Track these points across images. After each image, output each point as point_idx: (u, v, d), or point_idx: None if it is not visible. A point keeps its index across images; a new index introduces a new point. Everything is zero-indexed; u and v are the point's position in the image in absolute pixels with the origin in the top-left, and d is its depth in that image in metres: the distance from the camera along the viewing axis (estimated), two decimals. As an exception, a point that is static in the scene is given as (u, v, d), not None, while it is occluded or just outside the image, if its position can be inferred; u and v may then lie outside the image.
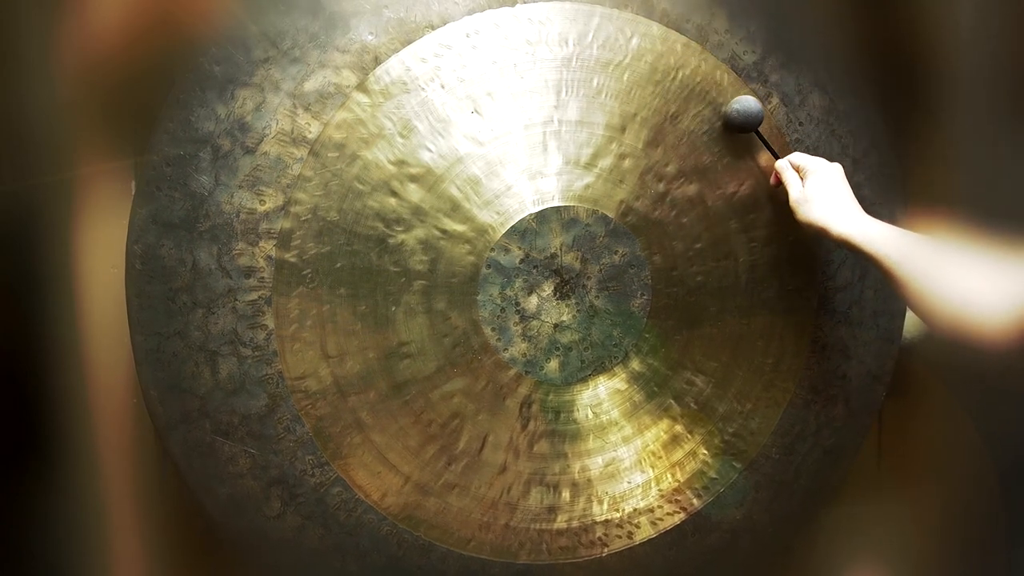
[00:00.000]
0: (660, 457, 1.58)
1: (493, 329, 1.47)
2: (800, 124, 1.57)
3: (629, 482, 1.57)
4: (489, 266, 1.45)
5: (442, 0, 1.43)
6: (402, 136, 1.43)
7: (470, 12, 1.44)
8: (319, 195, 1.42)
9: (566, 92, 1.47)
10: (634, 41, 1.49)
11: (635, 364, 1.53)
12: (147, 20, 1.41)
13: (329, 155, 1.41)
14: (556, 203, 1.46)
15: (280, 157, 1.40)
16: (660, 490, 1.59)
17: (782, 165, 1.49)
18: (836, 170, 1.45)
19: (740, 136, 1.51)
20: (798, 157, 1.48)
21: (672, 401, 1.57)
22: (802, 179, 1.46)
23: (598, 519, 1.57)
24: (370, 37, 1.42)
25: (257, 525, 1.49)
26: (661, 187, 1.50)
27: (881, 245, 1.32)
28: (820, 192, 1.43)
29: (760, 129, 1.50)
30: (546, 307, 1.49)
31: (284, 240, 1.41)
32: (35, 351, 1.36)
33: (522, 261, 1.47)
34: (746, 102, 1.49)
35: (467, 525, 1.54)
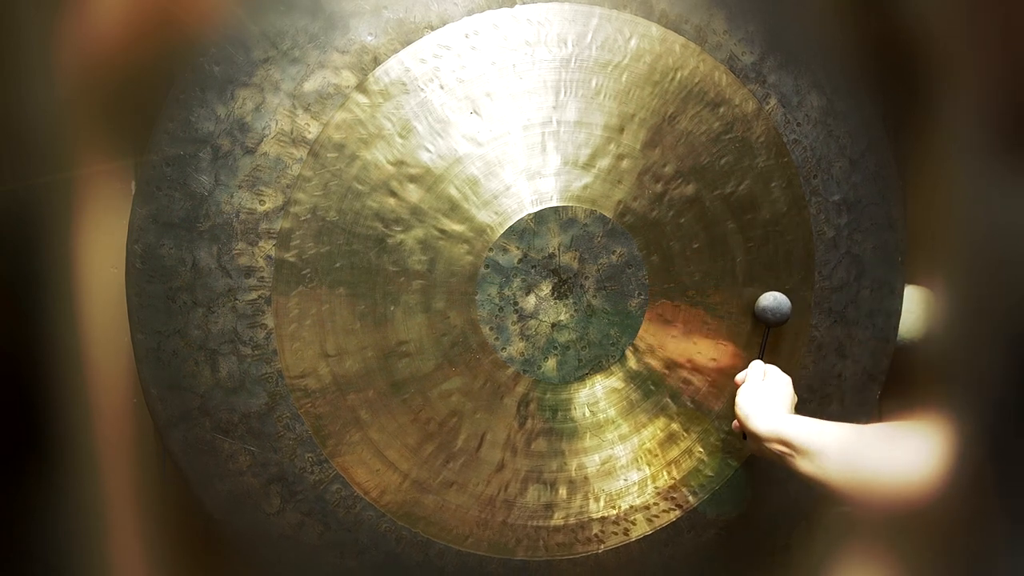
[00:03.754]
0: (656, 455, 1.59)
1: (491, 328, 1.47)
2: (798, 125, 1.57)
3: (625, 480, 1.58)
4: (487, 266, 1.46)
5: (441, 1, 1.44)
6: (401, 136, 1.43)
7: (469, 13, 1.44)
8: (318, 195, 1.42)
9: (565, 93, 1.47)
10: (633, 42, 1.49)
11: (632, 363, 1.54)
12: (147, 20, 1.41)
13: (328, 155, 1.42)
14: (554, 203, 1.47)
15: (280, 157, 1.41)
16: (656, 487, 1.60)
17: (757, 364, 1.55)
18: (787, 381, 1.52)
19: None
20: (764, 365, 1.56)
21: (668, 400, 1.57)
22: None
23: (595, 516, 1.58)
24: (369, 38, 1.42)
25: (257, 522, 1.50)
26: (659, 187, 1.51)
27: (807, 436, 1.38)
28: (768, 390, 1.50)
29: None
30: (544, 306, 1.49)
31: (284, 240, 1.42)
32: (35, 351, 1.36)
33: (520, 261, 1.47)
34: (783, 305, 1.56)
35: (465, 522, 1.55)
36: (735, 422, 1.53)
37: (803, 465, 1.35)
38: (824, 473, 1.32)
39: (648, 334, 1.54)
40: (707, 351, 1.57)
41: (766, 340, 1.57)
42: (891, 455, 1.24)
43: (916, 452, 1.19)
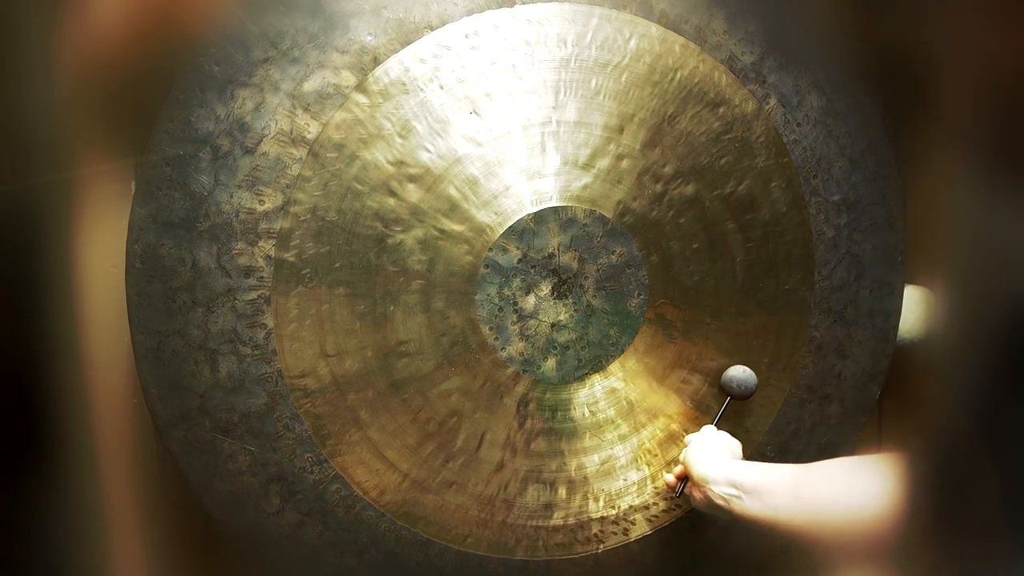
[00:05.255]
0: (656, 455, 1.59)
1: (491, 328, 1.47)
2: (798, 125, 1.57)
3: (625, 479, 1.58)
4: (487, 266, 1.46)
5: (441, 1, 1.44)
6: (401, 137, 1.43)
7: (469, 13, 1.44)
8: (318, 195, 1.42)
9: (564, 93, 1.47)
10: (632, 42, 1.49)
11: (632, 363, 1.54)
12: (147, 20, 1.41)
13: (328, 155, 1.42)
14: (554, 203, 1.47)
15: (279, 157, 1.41)
16: (656, 487, 1.60)
17: (709, 428, 1.54)
18: (737, 444, 1.51)
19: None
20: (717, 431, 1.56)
21: (668, 400, 1.57)
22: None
23: (594, 516, 1.58)
24: (369, 38, 1.42)
25: (256, 522, 1.50)
26: (659, 187, 1.51)
27: (755, 475, 1.37)
28: (717, 442, 1.49)
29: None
30: (544, 306, 1.49)
31: (283, 240, 1.42)
32: (35, 351, 1.36)
33: (520, 261, 1.47)
34: (748, 379, 1.57)
35: (464, 522, 1.55)
36: (670, 477, 1.54)
37: (751, 506, 1.33)
38: (774, 512, 1.30)
39: (647, 334, 1.54)
40: (707, 351, 1.57)
41: (724, 410, 1.57)
42: (843, 490, 1.23)
43: (869, 487, 1.18)
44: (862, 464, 1.26)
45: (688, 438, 1.55)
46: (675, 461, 1.56)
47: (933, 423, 1.00)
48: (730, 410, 1.58)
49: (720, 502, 1.38)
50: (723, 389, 1.57)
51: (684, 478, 1.50)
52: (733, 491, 1.36)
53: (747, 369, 1.57)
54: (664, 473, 1.57)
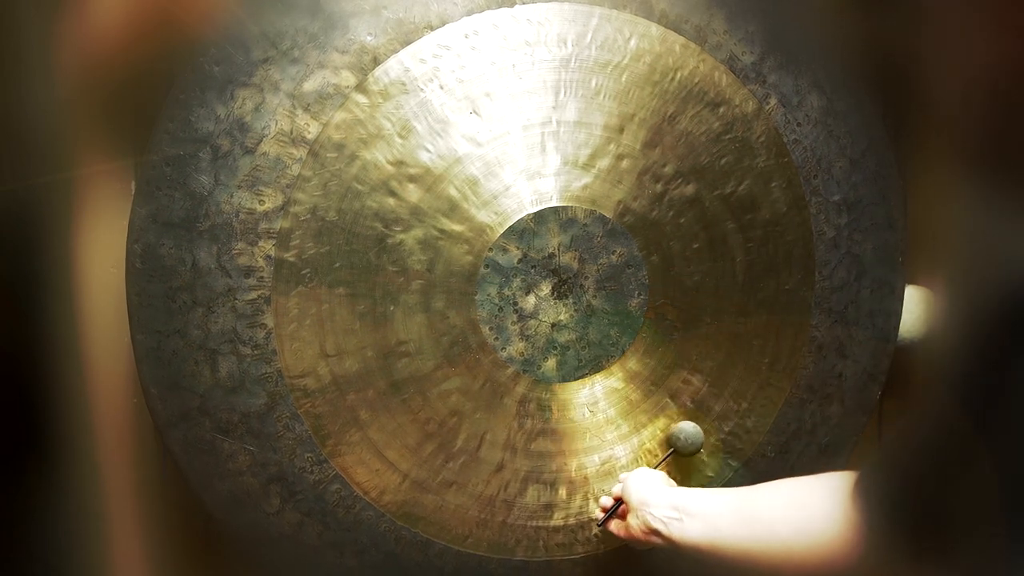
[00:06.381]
0: (656, 455, 1.59)
1: (491, 328, 1.47)
2: (798, 125, 1.57)
3: (626, 480, 1.59)
4: (487, 266, 1.46)
5: (441, 1, 1.44)
6: (401, 137, 1.43)
7: (469, 13, 1.44)
8: (318, 195, 1.42)
9: (564, 93, 1.47)
10: (632, 42, 1.49)
11: (632, 363, 1.54)
12: (147, 20, 1.41)
13: (328, 155, 1.42)
14: (554, 203, 1.47)
15: (279, 157, 1.41)
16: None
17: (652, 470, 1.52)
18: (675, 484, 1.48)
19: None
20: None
21: (668, 400, 1.57)
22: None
23: (594, 516, 1.58)
24: (369, 38, 1.42)
25: (256, 521, 1.50)
26: (659, 187, 1.51)
27: (698, 497, 1.34)
28: (658, 475, 1.47)
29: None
30: (544, 306, 1.49)
31: (283, 240, 1.42)
32: (35, 351, 1.36)
33: (520, 261, 1.47)
34: (697, 439, 1.56)
35: (464, 522, 1.55)
36: (606, 499, 1.50)
37: (692, 528, 1.28)
38: (716, 533, 1.24)
39: (648, 334, 1.54)
40: (707, 351, 1.57)
41: (665, 459, 1.57)
42: (791, 511, 1.17)
43: (820, 508, 1.11)
44: (813, 484, 1.18)
45: (622, 476, 1.51)
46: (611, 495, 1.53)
47: (929, 421, 0.98)
48: (672, 465, 1.57)
49: (658, 525, 1.33)
50: (669, 440, 1.57)
51: (611, 509, 1.48)
52: (674, 513, 1.32)
53: (698, 427, 1.56)
54: (602, 497, 1.54)
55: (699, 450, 1.57)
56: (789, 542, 1.14)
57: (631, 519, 1.40)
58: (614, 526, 1.48)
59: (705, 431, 1.60)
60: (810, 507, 1.13)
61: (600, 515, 1.51)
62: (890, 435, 1.06)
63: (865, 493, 1.05)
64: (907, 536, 0.99)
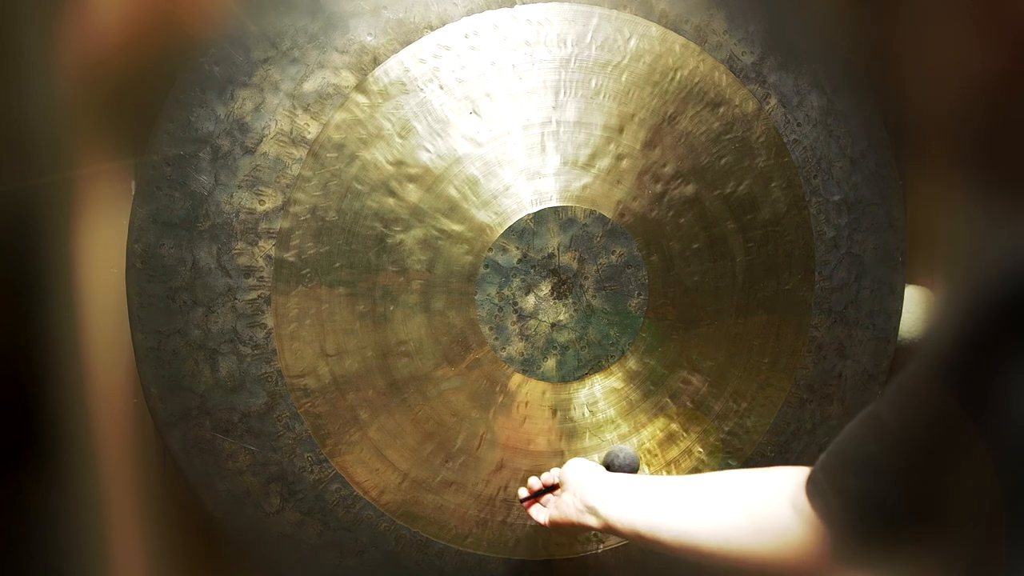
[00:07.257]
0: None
1: (491, 328, 1.48)
2: (798, 125, 1.57)
3: (625, 479, 1.58)
4: (487, 266, 1.46)
5: (441, 1, 1.44)
6: (401, 137, 1.43)
7: (469, 13, 1.44)
8: (318, 195, 1.42)
9: (564, 93, 1.47)
10: (632, 42, 1.49)
11: (632, 363, 1.54)
12: (147, 20, 1.41)
13: (328, 155, 1.42)
14: (554, 203, 1.47)
15: (279, 157, 1.41)
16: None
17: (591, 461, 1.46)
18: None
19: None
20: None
21: (668, 400, 1.58)
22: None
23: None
24: (369, 38, 1.42)
25: (256, 521, 1.50)
26: (658, 187, 1.51)
27: (639, 482, 1.29)
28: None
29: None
30: (543, 306, 1.49)
31: (283, 240, 1.42)
32: (35, 351, 1.36)
33: (520, 261, 1.47)
34: (631, 458, 1.51)
35: (464, 521, 1.55)
36: (534, 480, 1.45)
37: (631, 508, 1.22)
38: (657, 516, 1.18)
39: (648, 334, 1.54)
40: (707, 351, 1.57)
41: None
42: (738, 498, 1.12)
43: (768, 496, 1.07)
44: (765, 473, 1.14)
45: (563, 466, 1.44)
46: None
47: (925, 421, 0.97)
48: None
49: (595, 502, 1.26)
50: (606, 461, 1.52)
51: (538, 491, 1.43)
52: (614, 492, 1.27)
53: (636, 457, 1.52)
54: (531, 478, 1.47)
55: (636, 468, 1.51)
56: (739, 530, 1.10)
57: (566, 497, 1.33)
58: (539, 512, 1.41)
59: (704, 431, 1.60)
60: (760, 494, 1.09)
61: (525, 493, 1.45)
62: (850, 425, 1.02)
63: (818, 484, 1.02)
64: (878, 528, 0.96)
